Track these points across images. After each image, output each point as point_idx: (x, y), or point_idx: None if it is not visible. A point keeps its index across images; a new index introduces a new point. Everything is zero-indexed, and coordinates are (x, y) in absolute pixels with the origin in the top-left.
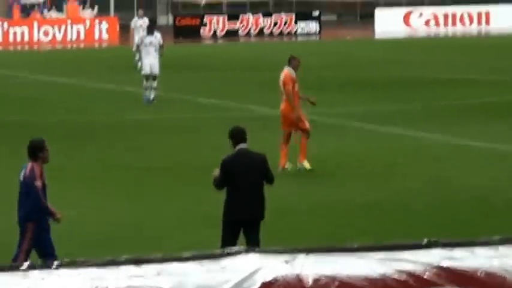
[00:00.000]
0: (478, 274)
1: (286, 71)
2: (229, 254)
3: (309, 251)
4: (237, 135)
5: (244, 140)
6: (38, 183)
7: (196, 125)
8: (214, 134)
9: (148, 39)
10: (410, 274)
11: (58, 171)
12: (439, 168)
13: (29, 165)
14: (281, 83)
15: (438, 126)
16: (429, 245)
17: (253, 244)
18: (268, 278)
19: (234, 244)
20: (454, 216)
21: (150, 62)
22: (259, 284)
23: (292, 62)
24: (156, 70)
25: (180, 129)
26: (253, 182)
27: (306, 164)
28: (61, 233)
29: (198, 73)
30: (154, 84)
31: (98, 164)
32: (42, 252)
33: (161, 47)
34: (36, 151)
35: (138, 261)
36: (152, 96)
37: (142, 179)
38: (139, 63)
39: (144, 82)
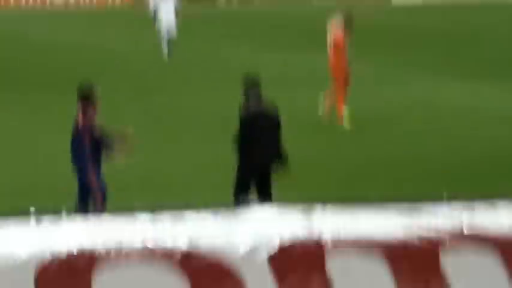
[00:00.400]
0: (502, 232)
1: (339, 31)
2: (245, 205)
3: (326, 203)
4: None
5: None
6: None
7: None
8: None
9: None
10: (432, 230)
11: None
12: (458, 126)
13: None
14: (332, 40)
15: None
16: (450, 199)
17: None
18: (287, 233)
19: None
20: (473, 174)
21: (167, 25)
22: (277, 243)
23: (341, 19)
24: (174, 33)
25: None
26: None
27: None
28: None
29: None
30: (170, 45)
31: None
32: None
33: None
34: (87, 99)
35: (152, 209)
36: (170, 52)
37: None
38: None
39: (163, 43)
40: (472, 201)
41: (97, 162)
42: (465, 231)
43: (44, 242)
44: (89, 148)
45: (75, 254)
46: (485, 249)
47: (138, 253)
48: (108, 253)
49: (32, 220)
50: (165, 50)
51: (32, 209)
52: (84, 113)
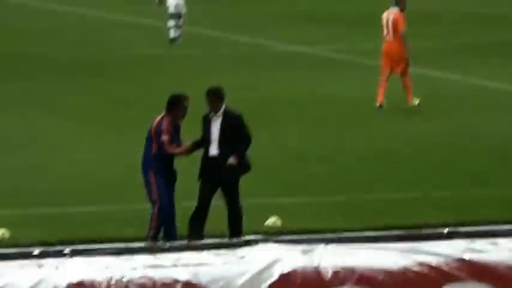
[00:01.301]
0: (501, 268)
1: (398, 12)
2: (246, 244)
3: (328, 241)
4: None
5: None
6: (164, 137)
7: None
8: (224, 71)
9: None
10: (431, 267)
11: (64, 107)
12: (459, 112)
13: (159, 117)
14: (391, 23)
15: (459, 65)
16: (451, 235)
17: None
18: (286, 270)
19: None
20: (471, 165)
21: (176, 0)
22: (277, 276)
23: (401, 3)
24: (181, 8)
25: (193, 66)
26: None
27: (415, 101)
28: (80, 178)
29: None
30: (180, 21)
31: (112, 101)
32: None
33: None
34: (171, 105)
35: (153, 250)
36: (177, 34)
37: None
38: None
39: (169, 22)
40: (473, 237)
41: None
42: (465, 268)
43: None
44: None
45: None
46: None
47: (140, 286)
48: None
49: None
50: (171, 33)
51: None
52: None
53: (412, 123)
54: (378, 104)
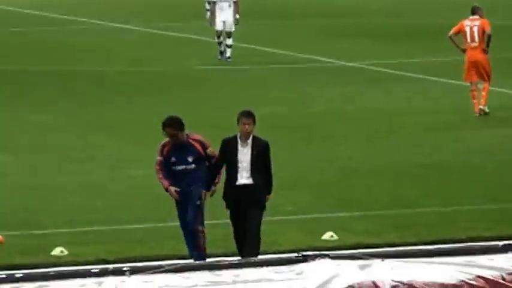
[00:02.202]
0: None
1: (485, 20)
2: (304, 259)
3: (384, 256)
4: None
5: None
6: (157, 157)
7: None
8: (274, 86)
9: None
10: (488, 280)
11: (120, 126)
12: (507, 124)
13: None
14: (477, 29)
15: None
16: (506, 249)
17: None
18: (344, 285)
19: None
20: None
21: (223, 18)
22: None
23: (479, 11)
24: (229, 27)
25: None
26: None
27: (486, 108)
28: (137, 195)
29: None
30: (229, 41)
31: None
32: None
33: (235, 3)
34: (163, 126)
35: (212, 267)
36: (228, 54)
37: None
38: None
39: (216, 38)
40: None
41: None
42: None
43: None
44: None
45: None
46: None
47: None
48: None
49: None
50: (221, 51)
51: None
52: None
53: (462, 137)
54: (476, 114)
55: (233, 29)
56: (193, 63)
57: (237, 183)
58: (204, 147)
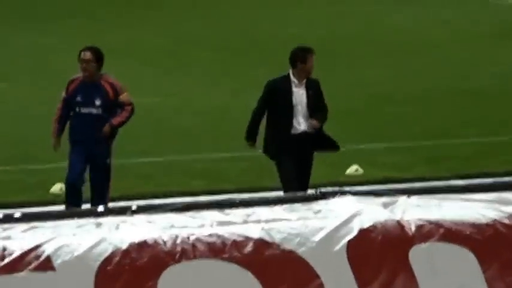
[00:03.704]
0: None
1: None
2: (322, 197)
3: (410, 192)
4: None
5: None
6: (62, 94)
7: None
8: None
9: None
10: None
11: (126, 45)
12: None
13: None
14: None
15: None
16: None
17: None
18: (366, 225)
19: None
20: None
21: None
22: (356, 232)
23: None
24: None
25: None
26: None
27: None
28: (138, 126)
29: None
30: None
31: (171, 39)
32: None
33: None
34: (82, 49)
35: (221, 205)
36: None
37: (226, 59)
38: None
39: None
40: None
41: None
42: None
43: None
44: None
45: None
46: None
47: (209, 245)
48: (175, 247)
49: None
50: None
51: None
52: None
53: (502, 58)
54: None
55: None
56: None
57: (293, 131)
58: (117, 92)
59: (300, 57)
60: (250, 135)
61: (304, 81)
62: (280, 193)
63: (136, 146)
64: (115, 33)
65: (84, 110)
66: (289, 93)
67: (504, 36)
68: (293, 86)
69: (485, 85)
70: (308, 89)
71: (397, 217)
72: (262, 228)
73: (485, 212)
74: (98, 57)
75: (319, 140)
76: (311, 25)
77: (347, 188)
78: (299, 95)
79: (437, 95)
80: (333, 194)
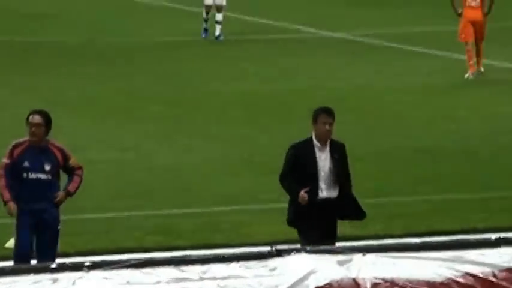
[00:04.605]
0: None
1: None
2: (278, 254)
3: (365, 250)
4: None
5: None
6: (4, 160)
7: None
8: (255, 59)
9: None
10: (478, 278)
11: (85, 102)
12: (498, 103)
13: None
14: None
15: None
16: (498, 243)
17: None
18: (322, 283)
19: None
20: None
21: None
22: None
23: None
24: (220, 0)
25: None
26: None
27: (482, 69)
28: (93, 181)
29: None
30: (219, 17)
31: (124, 94)
32: None
33: None
34: (30, 113)
35: (178, 263)
36: (218, 32)
37: (178, 114)
38: None
39: (204, 14)
40: None
41: None
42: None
43: None
44: None
45: None
46: None
47: None
48: None
49: None
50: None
51: None
52: None
53: (458, 117)
54: (470, 76)
55: (224, 3)
56: (161, 34)
57: (315, 197)
58: (66, 157)
59: (313, 117)
60: (294, 189)
61: (328, 144)
62: (236, 250)
63: (90, 201)
64: (69, 89)
65: (33, 176)
66: (311, 158)
67: (458, 91)
68: (316, 149)
69: (439, 142)
70: (332, 153)
71: (353, 275)
72: (218, 285)
73: (440, 271)
74: (47, 120)
75: (344, 208)
76: (264, 80)
77: (302, 246)
78: (321, 159)
79: (390, 151)
80: (289, 252)
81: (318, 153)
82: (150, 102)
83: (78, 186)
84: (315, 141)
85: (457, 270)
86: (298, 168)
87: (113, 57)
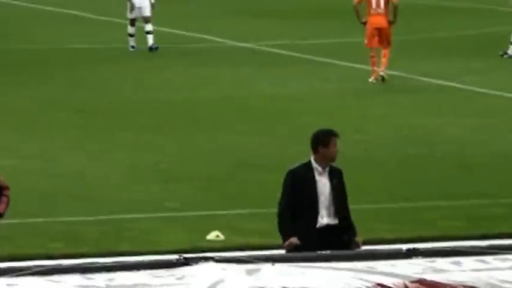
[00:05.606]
0: None
1: None
2: (185, 263)
3: (275, 259)
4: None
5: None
6: None
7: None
8: (166, 67)
9: None
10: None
11: None
12: (412, 115)
13: None
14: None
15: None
16: (409, 254)
17: None
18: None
19: None
20: (430, 174)
21: (137, 4)
22: None
23: None
24: (146, 12)
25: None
26: None
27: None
28: None
29: None
30: (149, 27)
31: (28, 101)
32: None
33: None
34: None
35: (84, 269)
36: (151, 42)
37: (86, 121)
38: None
39: (130, 29)
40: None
41: None
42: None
43: None
44: None
45: None
46: None
47: None
48: None
49: None
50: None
51: None
52: None
53: (366, 127)
54: (374, 80)
55: (150, 14)
56: (78, 41)
57: (318, 224)
58: None
59: (321, 140)
60: (287, 232)
61: (328, 169)
62: (143, 258)
63: None
64: None
65: None
66: (312, 183)
67: (367, 101)
68: (316, 174)
69: (348, 153)
70: (332, 178)
71: (261, 285)
72: None
73: (350, 281)
74: None
75: (344, 235)
76: (175, 89)
77: (210, 254)
78: (322, 184)
79: (297, 162)
80: (196, 260)
81: (317, 177)
82: (58, 109)
83: (7, 207)
84: (315, 165)
85: (368, 281)
86: (297, 193)
87: (21, 65)
